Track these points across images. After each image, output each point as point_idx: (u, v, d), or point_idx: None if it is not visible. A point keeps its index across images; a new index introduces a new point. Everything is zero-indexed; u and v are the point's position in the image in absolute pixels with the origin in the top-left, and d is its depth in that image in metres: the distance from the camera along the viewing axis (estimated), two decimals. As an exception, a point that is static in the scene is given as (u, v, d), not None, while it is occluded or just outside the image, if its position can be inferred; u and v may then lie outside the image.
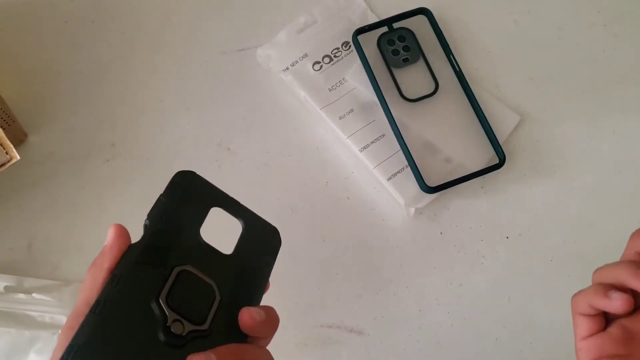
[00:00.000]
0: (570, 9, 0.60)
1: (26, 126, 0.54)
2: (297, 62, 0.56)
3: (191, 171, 0.34)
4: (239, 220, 0.34)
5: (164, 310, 0.29)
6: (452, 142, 0.54)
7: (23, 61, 0.57)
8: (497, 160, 0.53)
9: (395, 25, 0.57)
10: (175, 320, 0.29)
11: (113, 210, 0.52)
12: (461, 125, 0.55)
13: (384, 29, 0.57)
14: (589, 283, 0.53)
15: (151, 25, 0.58)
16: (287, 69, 0.56)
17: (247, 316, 0.30)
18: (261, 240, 0.35)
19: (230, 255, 0.33)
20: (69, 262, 0.51)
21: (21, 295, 0.49)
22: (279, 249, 0.35)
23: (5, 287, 0.49)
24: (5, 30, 0.58)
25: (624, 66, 0.58)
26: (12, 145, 0.46)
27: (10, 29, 0.57)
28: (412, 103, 0.55)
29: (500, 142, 0.53)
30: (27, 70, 0.56)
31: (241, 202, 0.35)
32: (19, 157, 0.46)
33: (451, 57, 0.56)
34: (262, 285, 0.34)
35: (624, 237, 0.55)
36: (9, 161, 0.46)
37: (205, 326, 0.30)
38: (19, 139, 0.53)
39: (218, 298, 0.31)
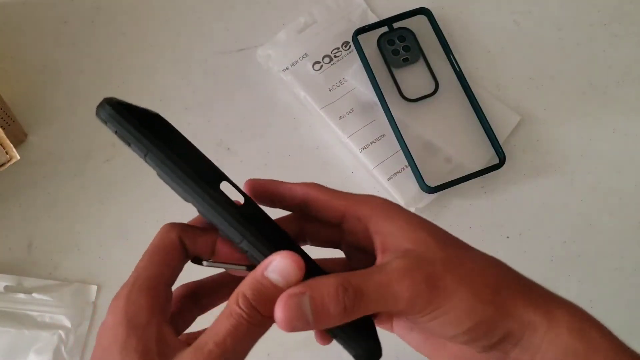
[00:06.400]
0: (571, 9, 0.60)
1: (26, 126, 0.54)
2: (297, 62, 0.56)
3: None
4: None
5: None
6: (452, 142, 0.54)
7: (23, 61, 0.57)
8: (497, 160, 0.53)
9: (396, 25, 0.57)
10: None
11: (113, 210, 0.52)
12: (461, 125, 0.55)
13: (384, 28, 0.57)
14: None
15: (151, 25, 0.58)
16: (287, 68, 0.56)
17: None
18: None
19: None
20: (69, 262, 0.51)
21: (21, 295, 0.49)
22: None
23: (5, 287, 0.49)
24: (5, 30, 0.57)
25: (624, 66, 0.58)
26: (12, 145, 0.46)
27: (10, 29, 0.57)
28: (412, 103, 0.55)
29: (500, 142, 0.53)
30: (27, 70, 0.56)
31: None
32: (19, 157, 0.46)
33: (451, 57, 0.56)
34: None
35: (624, 237, 0.55)
36: (9, 161, 0.46)
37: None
38: (19, 138, 0.53)
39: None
